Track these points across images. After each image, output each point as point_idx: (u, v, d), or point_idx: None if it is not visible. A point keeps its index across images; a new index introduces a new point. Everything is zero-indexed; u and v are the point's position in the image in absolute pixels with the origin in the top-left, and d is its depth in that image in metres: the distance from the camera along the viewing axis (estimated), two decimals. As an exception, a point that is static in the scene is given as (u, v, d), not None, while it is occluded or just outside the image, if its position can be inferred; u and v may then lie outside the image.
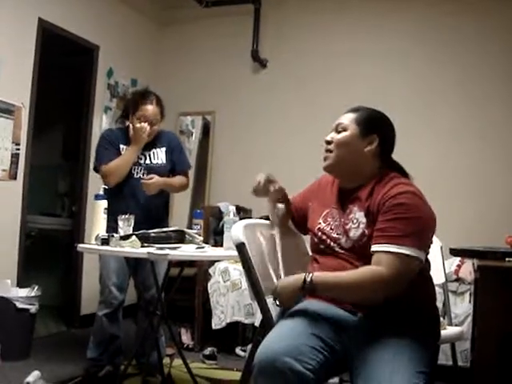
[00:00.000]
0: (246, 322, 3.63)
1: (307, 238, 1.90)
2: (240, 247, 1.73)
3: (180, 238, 2.45)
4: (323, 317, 1.59)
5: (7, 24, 3.57)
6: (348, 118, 1.73)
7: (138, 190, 2.79)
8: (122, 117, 3.05)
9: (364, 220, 1.63)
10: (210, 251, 2.36)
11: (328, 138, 1.73)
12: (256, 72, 4.73)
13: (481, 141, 3.93)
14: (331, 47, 4.44)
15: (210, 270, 3.88)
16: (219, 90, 4.78)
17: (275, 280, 1.73)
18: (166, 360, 3.11)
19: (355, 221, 1.65)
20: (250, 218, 3.52)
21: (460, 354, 2.95)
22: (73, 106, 4.67)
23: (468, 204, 3.89)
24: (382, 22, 4.29)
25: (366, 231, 1.61)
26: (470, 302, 3.14)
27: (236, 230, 1.77)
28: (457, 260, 3.29)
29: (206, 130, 4.90)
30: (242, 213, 3.92)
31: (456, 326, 2.88)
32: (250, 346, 3.20)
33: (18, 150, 3.66)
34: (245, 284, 3.37)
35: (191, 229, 2.62)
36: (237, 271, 3.67)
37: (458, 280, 3.25)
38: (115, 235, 2.30)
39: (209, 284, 3.83)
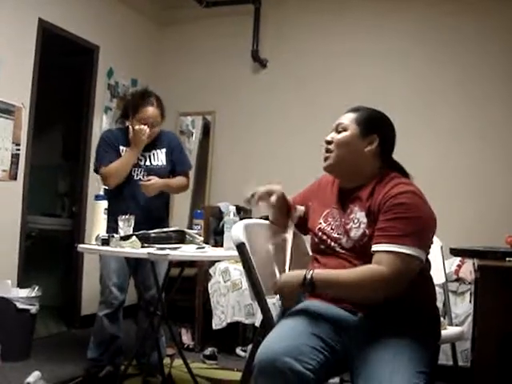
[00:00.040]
0: (247, 322, 3.63)
1: (307, 238, 1.90)
2: (240, 247, 1.74)
3: (180, 238, 2.45)
4: (323, 317, 1.59)
5: (7, 24, 3.57)
6: (348, 118, 1.73)
7: (138, 191, 2.79)
8: (121, 117, 3.05)
9: (365, 220, 1.63)
10: (210, 251, 2.36)
11: (328, 138, 1.73)
12: (256, 72, 4.73)
13: (481, 141, 3.92)
14: (331, 47, 4.44)
15: (211, 270, 3.88)
16: (219, 90, 4.78)
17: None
18: (167, 360, 3.11)
19: (356, 221, 1.65)
20: (250, 217, 3.51)
21: (460, 353, 2.95)
22: (73, 106, 4.66)
23: (468, 204, 3.89)
24: (381, 22, 4.28)
25: (367, 231, 1.61)
26: (470, 301, 3.14)
27: (236, 230, 1.77)
28: (457, 260, 3.29)
29: (206, 130, 4.90)
30: (242, 213, 3.90)
31: (456, 325, 2.88)
32: (250, 347, 3.19)
33: (18, 150, 3.66)
34: (245, 284, 3.37)
35: (191, 229, 2.62)
36: (237, 271, 3.67)
37: (459, 280, 3.26)
38: (115, 235, 2.30)
39: (209, 284, 3.83)
